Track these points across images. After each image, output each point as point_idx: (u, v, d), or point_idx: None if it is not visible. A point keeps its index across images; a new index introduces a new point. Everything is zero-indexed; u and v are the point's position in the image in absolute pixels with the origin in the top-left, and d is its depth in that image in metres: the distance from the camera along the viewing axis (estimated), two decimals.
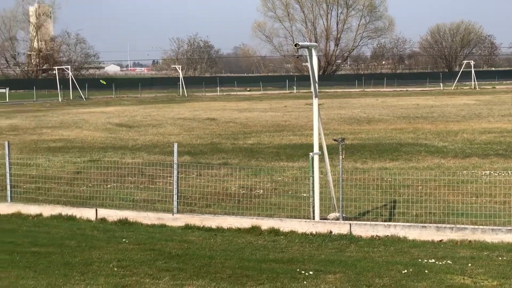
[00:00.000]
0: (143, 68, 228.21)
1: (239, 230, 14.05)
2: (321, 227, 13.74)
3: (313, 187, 14.11)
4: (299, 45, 13.41)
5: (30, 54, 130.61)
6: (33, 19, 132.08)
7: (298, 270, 10.71)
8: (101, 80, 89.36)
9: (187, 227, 14.44)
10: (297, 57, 14.09)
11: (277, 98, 75.12)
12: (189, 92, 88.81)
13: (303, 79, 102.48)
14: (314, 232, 13.62)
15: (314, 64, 13.81)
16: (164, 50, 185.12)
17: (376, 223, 13.74)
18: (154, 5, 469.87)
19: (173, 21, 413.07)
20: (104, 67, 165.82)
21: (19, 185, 17.74)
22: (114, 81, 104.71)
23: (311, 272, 10.55)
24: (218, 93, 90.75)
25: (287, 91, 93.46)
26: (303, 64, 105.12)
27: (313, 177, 14.12)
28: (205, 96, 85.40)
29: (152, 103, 67.70)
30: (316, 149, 14.28)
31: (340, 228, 13.63)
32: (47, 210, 15.82)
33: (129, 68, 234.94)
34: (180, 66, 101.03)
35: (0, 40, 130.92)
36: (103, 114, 49.08)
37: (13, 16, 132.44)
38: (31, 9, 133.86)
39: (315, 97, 14.20)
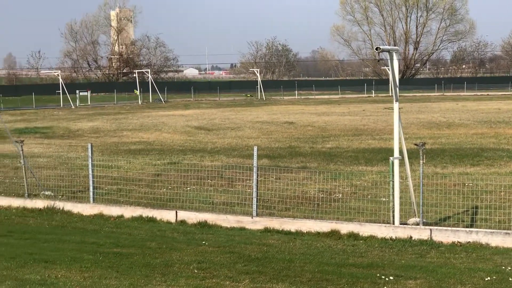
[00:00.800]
0: (221, 72, 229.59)
1: (318, 234, 14.02)
2: (401, 232, 13.61)
3: (393, 191, 13.99)
4: (380, 48, 13.32)
5: (111, 58, 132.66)
6: (114, 23, 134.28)
7: (378, 275, 10.62)
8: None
9: (266, 230, 14.46)
10: (378, 60, 13.94)
11: (355, 102, 74.75)
12: (267, 96, 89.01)
13: (381, 83, 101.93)
14: (394, 237, 13.50)
15: (395, 68, 13.69)
16: (242, 53, 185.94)
17: (458, 229, 13.54)
18: (232, 9, 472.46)
19: (251, 25, 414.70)
20: (182, 71, 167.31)
21: (101, 187, 18.03)
22: (192, 84, 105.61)
23: (391, 278, 10.45)
24: (296, 97, 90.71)
25: (365, 95, 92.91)
26: (382, 68, 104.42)
27: (393, 181, 14.00)
28: (283, 99, 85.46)
29: (230, 106, 68.05)
30: (396, 153, 14.15)
31: (421, 233, 13.47)
32: (128, 212, 16.05)
33: (208, 72, 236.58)
34: (258, 70, 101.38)
35: (83, 44, 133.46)
36: (182, 117, 49.52)
37: (95, 21, 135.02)
38: (113, 14, 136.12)
39: (395, 101, 14.07)
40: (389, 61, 13.75)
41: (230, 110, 59.22)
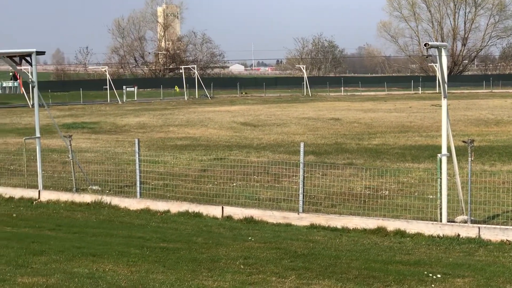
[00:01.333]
0: (267, 68, 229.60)
1: (364, 230, 13.96)
2: (448, 230, 13.49)
3: (440, 189, 13.88)
4: (428, 44, 13.21)
5: (158, 54, 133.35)
6: (161, 19, 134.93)
7: (425, 272, 10.53)
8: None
9: (312, 226, 14.45)
10: (426, 57, 13.84)
11: (401, 98, 74.25)
12: (313, 92, 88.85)
13: (428, 80, 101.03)
14: (441, 235, 13.39)
15: (443, 64, 13.57)
16: (288, 49, 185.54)
17: (507, 227, 13.37)
18: (278, 4, 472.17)
19: (297, 20, 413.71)
20: (228, 67, 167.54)
21: (147, 182, 18.14)
22: (238, 80, 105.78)
23: (439, 275, 10.36)
24: (342, 93, 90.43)
25: (412, 92, 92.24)
26: (429, 64, 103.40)
27: (440, 178, 13.88)
28: (329, 96, 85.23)
29: (276, 102, 68.03)
30: (444, 150, 14.04)
31: (468, 231, 13.34)
32: (175, 207, 16.13)
33: (253, 68, 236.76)
34: (304, 66, 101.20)
35: (130, 40, 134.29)
36: (228, 113, 49.62)
37: (142, 17, 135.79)
38: (159, 10, 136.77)
39: (444, 97, 13.95)
40: (437, 57, 13.63)
41: (276, 106, 59.19)
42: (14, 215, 15.97)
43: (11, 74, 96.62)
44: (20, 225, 14.69)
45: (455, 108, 50.93)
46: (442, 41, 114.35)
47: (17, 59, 18.58)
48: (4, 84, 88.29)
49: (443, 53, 13.57)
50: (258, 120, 42.71)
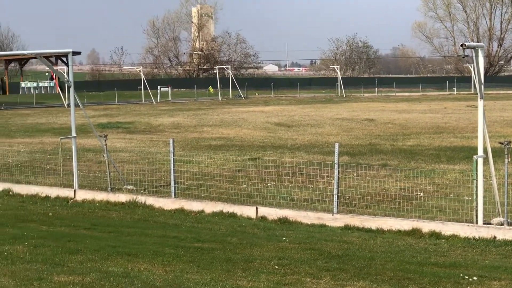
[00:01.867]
0: (301, 68, 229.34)
1: (399, 232, 13.89)
2: (484, 232, 13.38)
3: (476, 190, 13.78)
4: (465, 45, 13.13)
5: (192, 54, 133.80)
6: (195, 20, 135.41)
7: (461, 275, 10.46)
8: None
9: (347, 227, 14.40)
10: (463, 57, 13.75)
11: (436, 99, 73.82)
12: (347, 93, 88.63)
13: (463, 81, 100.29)
14: (477, 237, 13.29)
15: (480, 65, 13.46)
16: (322, 50, 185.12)
17: None
18: (313, 5, 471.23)
19: (332, 21, 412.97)
20: (262, 67, 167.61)
21: (182, 182, 18.20)
22: (272, 80, 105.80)
23: (475, 278, 10.28)
24: (376, 94, 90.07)
25: (447, 93, 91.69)
26: (464, 65, 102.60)
27: (476, 180, 13.78)
28: (363, 96, 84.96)
29: (310, 103, 67.96)
30: (480, 151, 13.93)
31: (505, 233, 13.22)
32: (209, 207, 16.16)
33: (287, 68, 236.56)
34: (338, 67, 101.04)
35: (164, 40, 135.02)
36: (262, 113, 49.65)
37: (177, 17, 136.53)
38: (194, 10, 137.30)
39: (480, 98, 13.84)
40: (473, 57, 13.53)
41: (310, 107, 59.12)
42: (50, 214, 16.10)
43: (47, 74, 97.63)
44: (56, 224, 14.81)
45: (491, 109, 50.53)
46: (478, 42, 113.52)
47: (53, 59, 18.74)
48: (41, 84, 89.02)
49: (480, 53, 13.47)
50: (292, 121, 42.68)
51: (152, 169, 20.33)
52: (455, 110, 51.94)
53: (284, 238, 13.29)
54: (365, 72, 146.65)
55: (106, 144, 18.55)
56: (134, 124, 40.90)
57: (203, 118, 45.91)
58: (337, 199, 15.06)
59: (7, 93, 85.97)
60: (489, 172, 14.66)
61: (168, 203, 16.75)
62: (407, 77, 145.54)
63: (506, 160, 13.60)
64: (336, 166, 15.14)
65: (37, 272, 10.34)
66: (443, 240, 13.26)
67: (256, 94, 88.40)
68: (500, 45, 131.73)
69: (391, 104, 64.10)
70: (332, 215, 14.88)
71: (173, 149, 17.32)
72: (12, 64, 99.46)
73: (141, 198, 17.13)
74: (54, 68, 19.85)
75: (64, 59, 74.10)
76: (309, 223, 14.89)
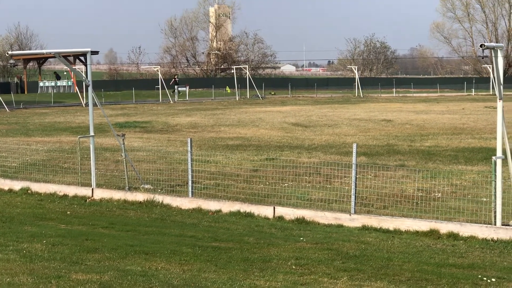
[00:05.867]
0: (318, 68, 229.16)
1: (417, 233, 13.86)
2: (503, 233, 13.33)
3: (495, 191, 13.72)
4: (484, 45, 13.07)
5: (209, 54, 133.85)
6: (213, 20, 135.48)
7: (479, 276, 10.43)
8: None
9: (364, 228, 14.38)
10: (482, 58, 13.69)
11: (454, 100, 73.52)
12: (364, 93, 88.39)
13: (482, 81, 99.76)
14: (495, 238, 13.24)
15: (499, 66, 13.41)
16: (340, 50, 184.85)
17: None
18: (331, 5, 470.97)
19: (349, 21, 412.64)
20: (280, 67, 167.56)
21: (199, 181, 18.22)
22: (289, 81, 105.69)
23: (493, 279, 10.25)
24: (394, 94, 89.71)
25: (465, 93, 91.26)
26: (483, 66, 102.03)
27: (495, 181, 13.73)
28: (381, 97, 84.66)
29: (327, 103, 67.85)
30: (499, 153, 13.87)
31: None
32: (226, 206, 16.17)
33: (305, 68, 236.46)
34: (356, 67, 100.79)
35: (182, 40, 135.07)
36: (279, 113, 49.61)
37: (195, 17, 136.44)
38: (211, 10, 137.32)
39: (499, 99, 13.78)
40: (493, 58, 13.48)
41: (327, 107, 59.02)
42: (68, 212, 16.17)
43: (65, 73, 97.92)
44: (74, 223, 14.87)
45: (510, 110, 50.25)
46: (497, 42, 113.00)
47: (71, 58, 18.80)
48: (59, 83, 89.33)
49: (499, 54, 13.41)
50: (310, 121, 42.63)
51: (170, 169, 20.37)
52: (473, 111, 51.71)
53: (301, 238, 13.29)
54: (383, 72, 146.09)
55: (124, 143, 18.60)
56: (152, 124, 40.97)
57: (220, 118, 45.93)
58: (355, 199, 15.05)
59: (26, 92, 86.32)
60: (507, 173, 14.60)
61: (185, 203, 16.78)
62: (425, 77, 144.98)
63: None
64: (353, 166, 15.12)
65: (56, 270, 10.38)
66: (461, 241, 13.22)
67: (272, 93, 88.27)
68: None
69: (408, 104, 63.89)
70: (350, 215, 14.86)
71: (191, 148, 17.34)
72: (31, 63, 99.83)
73: (159, 197, 17.17)
74: (73, 67, 19.87)
75: (82, 58, 74.48)
76: (326, 223, 14.88)
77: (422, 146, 28.13)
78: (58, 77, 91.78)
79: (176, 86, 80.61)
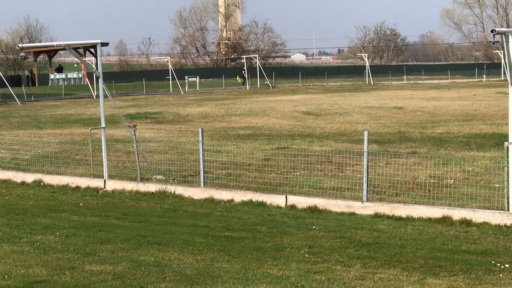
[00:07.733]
0: (328, 57, 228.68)
1: (429, 219, 13.84)
2: None
3: (507, 177, 13.67)
4: (495, 31, 13.01)
5: (219, 44, 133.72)
6: (222, 9, 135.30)
7: (493, 262, 10.42)
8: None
9: (377, 215, 14.37)
10: (493, 43, 13.65)
11: (465, 86, 73.31)
12: (375, 81, 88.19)
13: (493, 67, 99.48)
14: (508, 224, 13.20)
15: (510, 51, 13.34)
16: (350, 38, 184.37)
17: None
18: None
19: (359, 9, 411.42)
20: (290, 56, 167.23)
21: (211, 171, 18.24)
22: (300, 69, 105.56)
23: (507, 265, 10.23)
24: (405, 82, 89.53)
25: (476, 80, 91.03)
26: (494, 51, 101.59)
27: (508, 167, 13.68)
28: (392, 84, 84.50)
29: (338, 91, 67.75)
30: (511, 138, 13.81)
31: None
32: (238, 196, 16.18)
33: (315, 57, 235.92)
34: (366, 55, 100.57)
35: (191, 30, 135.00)
36: (290, 102, 49.58)
37: (204, 7, 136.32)
38: (221, 0, 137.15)
39: (511, 84, 13.72)
40: (504, 43, 13.42)
41: (338, 95, 58.94)
42: (81, 204, 16.21)
43: (75, 65, 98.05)
44: (87, 214, 14.92)
45: None
46: (508, 28, 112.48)
47: (81, 50, 18.81)
48: (69, 75, 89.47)
49: (511, 39, 13.34)
50: (320, 109, 42.58)
51: (181, 159, 20.38)
52: (484, 97, 51.55)
53: (314, 227, 13.29)
54: (393, 60, 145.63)
55: (135, 134, 18.63)
56: (163, 114, 41.01)
57: (231, 107, 45.93)
58: (367, 187, 15.03)
59: (37, 84, 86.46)
60: None
61: (197, 193, 16.79)
62: (435, 64, 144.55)
63: None
64: (365, 154, 15.10)
65: (69, 261, 10.43)
66: (474, 228, 13.19)
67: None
68: None
69: (419, 91, 63.73)
70: (362, 203, 14.84)
71: (202, 138, 17.34)
72: (41, 56, 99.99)
73: (171, 188, 17.19)
74: (83, 59, 19.90)
75: (92, 50, 74.54)
76: (338, 211, 14.87)
77: (433, 133, 28.07)
78: (60, 69, 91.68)
79: (245, 76, 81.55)
